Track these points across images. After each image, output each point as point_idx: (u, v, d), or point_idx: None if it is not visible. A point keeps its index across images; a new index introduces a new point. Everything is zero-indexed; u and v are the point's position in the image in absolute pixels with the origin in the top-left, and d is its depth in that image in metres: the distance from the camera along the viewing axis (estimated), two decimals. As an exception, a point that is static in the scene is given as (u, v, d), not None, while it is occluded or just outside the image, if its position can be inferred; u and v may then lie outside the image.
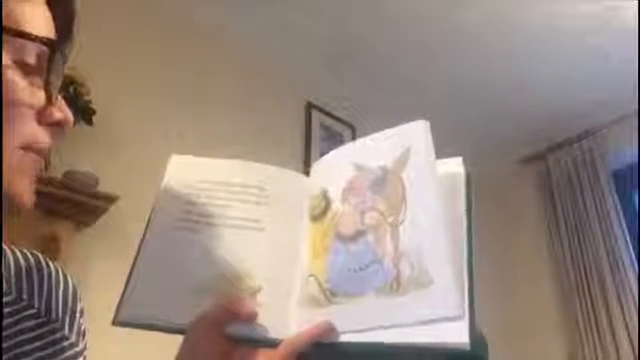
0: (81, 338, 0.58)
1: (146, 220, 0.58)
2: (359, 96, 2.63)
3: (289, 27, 2.33)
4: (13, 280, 0.55)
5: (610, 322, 2.44)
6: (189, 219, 0.57)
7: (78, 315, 0.59)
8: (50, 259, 0.61)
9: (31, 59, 0.46)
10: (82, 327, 0.59)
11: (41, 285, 0.57)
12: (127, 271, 0.55)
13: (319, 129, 2.57)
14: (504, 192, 3.01)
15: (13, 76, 0.44)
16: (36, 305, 0.55)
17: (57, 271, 0.60)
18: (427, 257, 0.47)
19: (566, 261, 2.69)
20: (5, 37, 0.44)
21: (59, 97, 0.49)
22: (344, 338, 0.49)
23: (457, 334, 0.44)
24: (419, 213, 0.49)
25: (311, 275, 0.54)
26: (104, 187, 1.69)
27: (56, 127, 0.48)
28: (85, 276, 1.54)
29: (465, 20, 2.27)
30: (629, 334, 2.37)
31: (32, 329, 0.53)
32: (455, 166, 0.53)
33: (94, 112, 1.73)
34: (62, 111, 0.48)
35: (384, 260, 0.49)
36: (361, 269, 0.50)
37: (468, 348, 0.43)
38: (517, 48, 2.42)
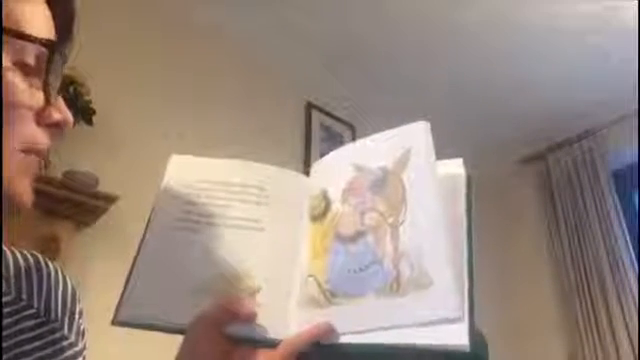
0: (80, 338, 0.58)
1: (146, 220, 0.58)
2: (359, 96, 2.63)
3: (289, 27, 2.33)
4: (12, 280, 0.55)
5: (610, 322, 2.44)
6: (189, 219, 0.57)
7: (77, 315, 0.59)
8: (50, 259, 0.61)
9: (30, 60, 0.45)
10: (81, 327, 0.59)
11: (40, 285, 0.57)
12: (127, 271, 0.55)
13: (319, 129, 2.57)
14: (504, 192, 3.01)
15: (12, 78, 0.44)
16: (35, 305, 0.55)
17: (56, 271, 0.60)
18: (427, 258, 0.47)
19: (566, 261, 2.69)
20: (5, 38, 0.44)
21: (58, 97, 0.49)
22: (344, 339, 0.49)
23: (457, 335, 0.44)
24: (419, 214, 0.49)
25: (310, 275, 0.54)
26: (104, 187, 1.69)
27: (55, 128, 0.48)
28: (85, 276, 1.54)
29: (465, 20, 2.27)
30: (629, 334, 2.37)
31: (31, 329, 0.53)
32: (456, 167, 0.53)
33: (94, 112, 1.73)
34: (61, 112, 0.48)
35: (384, 261, 0.49)
36: (361, 270, 0.50)
37: (468, 350, 0.43)
38: (517, 48, 2.42)
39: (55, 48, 0.47)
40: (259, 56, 2.42)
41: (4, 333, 0.50)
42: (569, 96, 2.64)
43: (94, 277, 1.55)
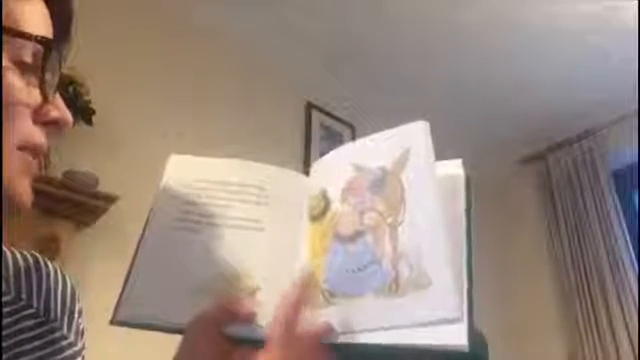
0: (79, 338, 0.58)
1: (145, 220, 0.58)
2: (359, 96, 2.63)
3: (289, 27, 2.33)
4: (12, 280, 0.55)
5: (610, 322, 2.44)
6: (188, 219, 0.57)
7: (77, 315, 0.59)
8: (50, 259, 0.61)
9: (27, 58, 0.45)
10: (80, 327, 0.59)
11: (40, 285, 0.57)
12: (126, 271, 0.55)
13: (319, 129, 2.57)
14: (504, 192, 3.01)
15: (10, 76, 0.44)
16: (35, 305, 0.55)
17: (56, 271, 0.60)
18: (426, 258, 0.47)
19: (566, 261, 2.69)
20: (5, 37, 0.44)
21: (57, 96, 0.49)
22: (342, 339, 0.49)
23: (456, 336, 0.44)
24: (418, 214, 0.49)
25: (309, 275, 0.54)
26: (104, 187, 1.69)
27: (53, 126, 0.48)
28: (84, 276, 1.54)
29: (465, 20, 2.27)
30: (629, 334, 2.37)
31: (31, 328, 0.53)
32: (455, 168, 0.53)
33: (94, 112, 1.73)
34: (59, 109, 0.48)
35: (383, 261, 0.49)
36: (359, 270, 0.50)
37: (467, 350, 0.43)
38: (517, 48, 2.42)
39: (52, 46, 0.47)
40: (259, 56, 2.42)
41: (4, 333, 0.50)
42: (569, 96, 2.64)
43: (94, 277, 1.55)
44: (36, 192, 0.48)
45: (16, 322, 0.52)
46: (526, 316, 2.75)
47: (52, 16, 0.50)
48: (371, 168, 0.54)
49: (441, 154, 0.52)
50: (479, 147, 2.67)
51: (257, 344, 0.50)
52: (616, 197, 2.63)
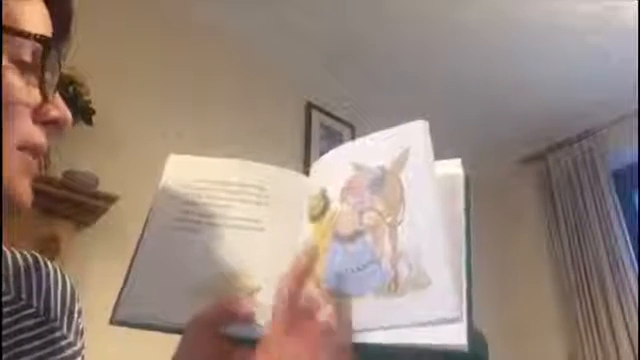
0: (79, 337, 0.58)
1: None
2: (359, 96, 2.63)
3: (289, 26, 2.33)
4: (12, 280, 0.55)
5: (610, 322, 2.44)
6: (187, 219, 0.57)
7: (76, 314, 0.59)
8: (49, 259, 0.61)
9: (27, 57, 0.45)
10: (80, 326, 0.59)
11: (39, 284, 0.57)
12: (126, 271, 0.55)
13: (319, 129, 2.57)
14: (504, 192, 3.01)
15: (9, 75, 0.44)
16: (35, 304, 0.55)
17: (55, 271, 0.60)
18: (425, 258, 0.47)
19: (566, 261, 2.69)
20: (5, 37, 0.44)
21: (56, 95, 0.49)
22: None
23: (455, 336, 0.44)
24: (417, 214, 0.49)
25: None
26: (104, 187, 1.69)
27: (53, 125, 0.48)
28: (84, 276, 1.54)
29: (465, 19, 2.27)
30: (629, 334, 2.36)
31: (31, 328, 0.53)
32: (454, 167, 0.53)
33: (94, 112, 1.73)
34: (59, 109, 0.48)
35: (382, 261, 0.49)
36: (359, 269, 0.50)
37: (466, 349, 0.43)
38: (517, 47, 2.42)
39: (51, 44, 0.47)
40: (259, 55, 2.42)
41: (4, 332, 0.50)
42: (569, 96, 2.64)
43: (93, 277, 1.55)
44: (36, 192, 0.48)
45: (16, 322, 0.52)
46: (526, 316, 2.75)
47: (52, 16, 0.50)
48: (370, 167, 0.54)
49: (441, 153, 0.52)
50: (479, 147, 2.67)
51: (257, 344, 0.50)
52: (616, 197, 2.63)
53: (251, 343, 0.50)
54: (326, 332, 0.47)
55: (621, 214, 2.59)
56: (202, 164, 0.61)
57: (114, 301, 0.54)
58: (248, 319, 0.51)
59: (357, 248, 0.51)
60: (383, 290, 0.48)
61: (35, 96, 0.46)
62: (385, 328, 0.47)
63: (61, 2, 0.52)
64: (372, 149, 0.56)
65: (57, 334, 0.55)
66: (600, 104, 2.60)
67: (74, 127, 1.53)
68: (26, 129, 0.45)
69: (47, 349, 0.53)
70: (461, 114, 2.74)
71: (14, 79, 0.45)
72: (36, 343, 0.52)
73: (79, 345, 0.57)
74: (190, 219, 0.57)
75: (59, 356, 0.54)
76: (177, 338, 0.51)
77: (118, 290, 0.55)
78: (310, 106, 2.60)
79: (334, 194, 0.56)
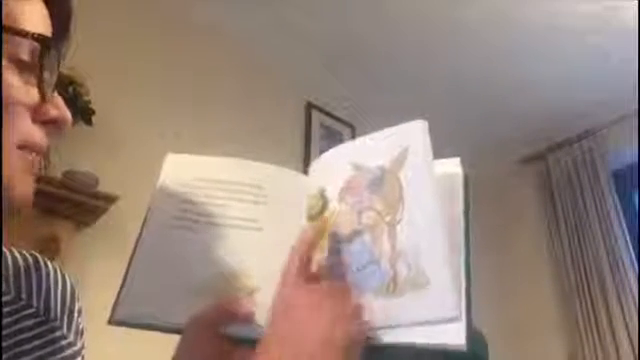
0: (79, 337, 0.58)
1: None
2: (359, 96, 2.63)
3: (289, 26, 2.33)
4: (12, 279, 0.55)
5: (610, 322, 2.44)
6: (186, 218, 0.57)
7: (76, 314, 0.59)
8: (50, 259, 0.61)
9: (25, 56, 0.45)
10: (80, 326, 0.59)
11: (39, 284, 0.57)
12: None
13: (319, 129, 2.57)
14: (504, 192, 3.01)
15: (7, 75, 0.44)
16: (35, 304, 0.55)
17: (55, 271, 0.60)
18: (424, 257, 0.47)
19: (566, 261, 2.69)
20: (5, 37, 0.44)
21: (56, 95, 0.48)
22: None
23: (454, 335, 0.44)
24: (416, 213, 0.49)
25: None
26: (104, 187, 1.69)
27: (53, 125, 0.48)
28: (84, 276, 1.54)
29: (465, 19, 2.27)
30: (629, 334, 2.36)
31: (31, 328, 0.53)
32: (453, 166, 0.53)
33: (93, 112, 1.73)
34: (58, 108, 0.48)
35: (381, 261, 0.49)
36: (358, 270, 0.50)
37: (465, 349, 0.43)
38: (517, 46, 2.42)
39: (49, 44, 0.46)
40: (259, 55, 2.42)
41: (4, 332, 0.50)
42: (569, 96, 2.64)
43: (93, 277, 1.55)
44: (36, 192, 0.48)
45: (16, 322, 0.52)
46: (526, 316, 2.75)
47: (51, 16, 0.50)
48: (369, 167, 0.54)
49: (440, 153, 0.52)
50: (479, 147, 2.68)
51: (257, 344, 0.50)
52: (616, 197, 2.63)
53: (251, 343, 0.50)
54: (335, 294, 0.47)
55: (621, 214, 2.59)
56: (200, 163, 0.61)
57: (113, 301, 0.54)
58: (248, 319, 0.51)
59: (356, 248, 0.51)
60: (382, 290, 0.48)
61: (34, 95, 0.46)
62: (384, 328, 0.47)
63: (61, 2, 0.52)
64: (371, 149, 0.56)
65: (57, 334, 0.55)
66: (600, 104, 2.60)
67: (74, 127, 1.53)
68: (25, 128, 0.45)
69: (47, 349, 0.53)
70: (461, 114, 2.74)
71: (12, 78, 0.45)
72: (36, 343, 0.52)
73: (79, 345, 0.57)
74: (188, 218, 0.57)
75: (59, 356, 0.54)
76: (177, 338, 0.51)
77: (117, 290, 0.55)
78: (310, 106, 2.60)
79: (333, 194, 0.55)
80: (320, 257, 0.51)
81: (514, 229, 2.99)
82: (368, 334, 0.47)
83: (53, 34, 0.49)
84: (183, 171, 0.60)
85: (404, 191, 0.51)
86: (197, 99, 2.17)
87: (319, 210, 0.55)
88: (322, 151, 0.61)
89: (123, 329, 0.54)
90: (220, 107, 2.23)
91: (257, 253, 0.55)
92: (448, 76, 2.59)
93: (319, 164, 0.60)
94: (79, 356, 0.57)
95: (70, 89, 1.63)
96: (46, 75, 0.46)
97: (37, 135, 0.46)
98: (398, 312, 0.47)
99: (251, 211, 0.57)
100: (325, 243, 0.54)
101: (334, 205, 0.55)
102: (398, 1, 2.22)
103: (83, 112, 1.70)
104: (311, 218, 0.56)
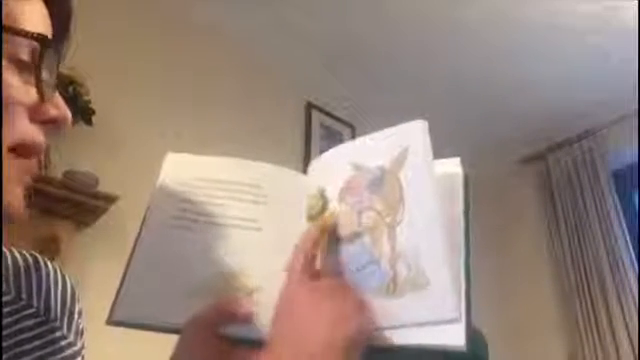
0: (79, 337, 0.58)
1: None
2: (359, 96, 2.63)
3: (289, 27, 2.33)
4: (12, 280, 0.55)
5: (610, 322, 2.44)
6: (185, 217, 0.57)
7: (76, 315, 0.59)
8: (49, 259, 0.60)
9: (24, 56, 0.45)
10: (80, 326, 0.59)
11: (40, 284, 0.57)
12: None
13: (319, 129, 2.57)
14: (504, 192, 3.01)
15: (7, 75, 0.44)
16: (35, 304, 0.55)
17: (55, 271, 0.59)
18: (424, 258, 0.47)
19: (566, 261, 2.69)
20: (5, 37, 0.44)
21: (56, 94, 0.48)
22: None
23: (454, 336, 0.44)
24: (416, 214, 0.49)
25: None
26: (104, 187, 1.69)
27: (52, 125, 0.48)
28: (84, 276, 1.54)
29: (465, 18, 2.27)
30: (629, 334, 2.36)
31: (31, 328, 0.53)
32: (453, 166, 0.53)
33: (93, 112, 1.73)
34: (58, 108, 0.47)
35: (381, 261, 0.49)
36: (358, 270, 0.50)
37: (465, 350, 0.43)
38: (517, 46, 2.42)
39: (48, 43, 0.46)
40: (259, 56, 2.42)
41: (4, 332, 0.50)
42: (569, 96, 2.64)
43: (93, 277, 1.55)
44: (36, 192, 0.47)
45: (16, 322, 0.52)
46: (526, 316, 2.75)
47: (51, 15, 0.50)
48: (369, 167, 0.54)
49: (440, 153, 0.52)
50: (479, 146, 2.68)
51: (256, 344, 0.50)
52: (616, 197, 2.63)
53: (250, 343, 0.50)
54: (336, 292, 0.47)
55: (621, 214, 2.59)
56: (200, 163, 0.61)
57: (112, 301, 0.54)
58: (247, 319, 0.50)
59: (356, 249, 0.51)
60: (382, 290, 0.48)
61: (32, 95, 0.46)
62: (384, 329, 0.47)
63: (61, 2, 0.51)
64: (371, 149, 0.56)
65: (57, 334, 0.55)
66: (600, 104, 2.60)
67: (74, 127, 1.53)
68: (22, 128, 0.45)
69: (47, 349, 0.53)
70: (461, 114, 2.74)
71: (13, 79, 0.44)
72: (36, 343, 0.52)
73: (79, 345, 0.57)
74: (188, 217, 0.57)
75: (59, 356, 0.54)
76: (176, 338, 0.51)
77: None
78: (310, 106, 2.60)
79: (333, 194, 0.55)
80: (321, 256, 0.51)
81: (514, 229, 2.99)
82: (370, 334, 0.47)
83: (53, 34, 0.49)
84: (183, 170, 0.60)
85: (404, 191, 0.51)
86: (197, 99, 2.17)
87: (319, 210, 0.55)
88: (322, 151, 0.61)
89: (122, 329, 0.54)
90: (220, 107, 2.23)
91: (256, 253, 0.55)
92: (448, 76, 2.59)
93: (319, 163, 0.60)
94: (79, 356, 0.57)
95: (70, 89, 1.63)
96: (45, 75, 0.46)
97: (34, 135, 0.46)
98: (398, 312, 0.47)
99: (250, 211, 0.57)
100: (325, 243, 0.53)
101: (334, 205, 0.55)
102: (398, 1, 2.22)
103: (83, 112, 1.70)
104: (311, 218, 0.56)
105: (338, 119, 2.66)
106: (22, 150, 0.45)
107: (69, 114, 0.48)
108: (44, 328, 0.54)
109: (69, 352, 0.55)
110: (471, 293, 0.45)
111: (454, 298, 0.45)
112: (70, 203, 1.61)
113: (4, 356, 0.49)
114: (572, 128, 2.80)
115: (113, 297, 0.54)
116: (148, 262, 0.55)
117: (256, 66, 2.43)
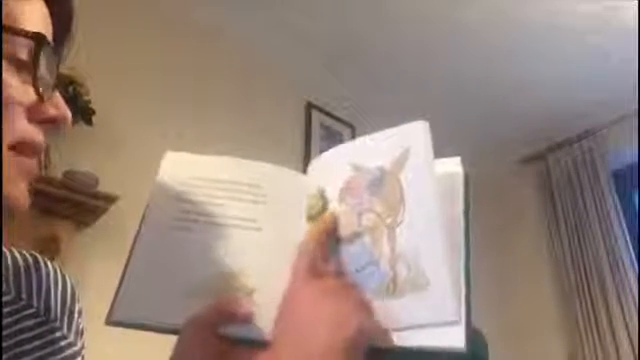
0: (79, 338, 0.58)
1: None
2: (359, 96, 2.63)
3: (289, 27, 2.33)
4: (12, 279, 0.55)
5: (610, 322, 2.44)
6: (184, 217, 0.57)
7: (76, 315, 0.59)
8: (49, 259, 0.61)
9: (23, 55, 0.45)
10: (80, 327, 0.59)
11: (40, 284, 0.57)
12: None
13: (319, 129, 2.57)
14: (504, 192, 3.01)
15: (6, 75, 0.44)
16: (35, 304, 0.55)
17: (55, 271, 0.59)
18: (424, 258, 0.47)
19: (566, 261, 2.69)
20: (5, 37, 0.44)
21: (56, 93, 0.48)
22: None
23: (454, 338, 0.44)
24: (417, 215, 0.49)
25: None
26: (104, 187, 1.69)
27: (51, 124, 0.47)
28: (84, 276, 1.54)
29: (465, 18, 2.27)
30: (629, 334, 2.37)
31: (31, 328, 0.53)
32: (453, 166, 0.52)
33: (94, 112, 1.73)
34: (58, 107, 0.47)
35: (380, 262, 0.49)
36: (357, 271, 0.50)
37: (465, 352, 0.43)
38: (517, 46, 2.42)
39: (43, 41, 0.46)
40: (259, 56, 2.42)
41: (4, 333, 0.50)
42: (569, 96, 2.64)
43: (93, 277, 1.55)
44: (36, 192, 0.47)
45: (16, 322, 0.52)
46: (526, 316, 2.75)
47: (52, 15, 0.50)
48: (370, 168, 0.54)
49: (441, 153, 0.52)
50: (479, 146, 2.68)
51: (255, 344, 0.50)
52: (616, 197, 2.63)
53: (250, 343, 0.50)
54: (338, 291, 0.47)
55: (621, 214, 2.59)
56: (199, 162, 0.60)
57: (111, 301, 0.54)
58: (247, 319, 0.50)
59: (356, 249, 0.51)
60: (381, 291, 0.48)
61: (31, 95, 0.45)
62: (385, 330, 0.47)
63: (61, 1, 0.51)
64: (371, 149, 0.55)
65: (57, 334, 0.55)
66: (600, 104, 2.60)
67: (74, 127, 1.54)
68: (20, 127, 0.45)
69: (47, 349, 0.53)
70: (461, 114, 2.74)
71: (11, 79, 0.44)
72: (36, 343, 0.52)
73: (79, 345, 0.57)
74: (187, 218, 0.57)
75: (59, 356, 0.54)
76: (175, 338, 0.51)
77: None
78: (310, 106, 2.60)
79: (332, 194, 0.55)
80: (325, 257, 0.51)
81: (514, 229, 3.00)
82: (371, 335, 0.47)
83: (54, 34, 0.49)
84: (182, 170, 0.59)
85: (405, 192, 0.50)
86: (197, 99, 2.17)
87: (319, 210, 0.55)
88: (322, 151, 0.61)
89: (122, 329, 0.54)
90: (220, 107, 2.23)
91: (256, 253, 0.55)
92: (448, 76, 2.59)
93: (318, 163, 0.60)
94: (79, 356, 0.57)
95: (70, 89, 1.63)
96: (42, 74, 0.46)
97: (34, 134, 0.46)
98: (398, 313, 0.46)
99: (250, 211, 0.57)
100: (327, 243, 0.53)
101: (334, 205, 0.55)
102: (398, 1, 2.22)
103: (83, 112, 1.70)
104: (311, 218, 0.56)
105: (338, 119, 2.66)
106: (22, 148, 0.45)
107: (69, 114, 0.48)
108: (44, 328, 0.54)
109: (69, 352, 0.55)
110: (471, 293, 0.45)
111: (454, 300, 0.45)
112: (70, 203, 1.61)
113: (4, 356, 0.49)
114: (572, 128, 2.80)
115: (112, 297, 0.54)
116: (147, 262, 0.55)
117: (256, 66, 2.43)
